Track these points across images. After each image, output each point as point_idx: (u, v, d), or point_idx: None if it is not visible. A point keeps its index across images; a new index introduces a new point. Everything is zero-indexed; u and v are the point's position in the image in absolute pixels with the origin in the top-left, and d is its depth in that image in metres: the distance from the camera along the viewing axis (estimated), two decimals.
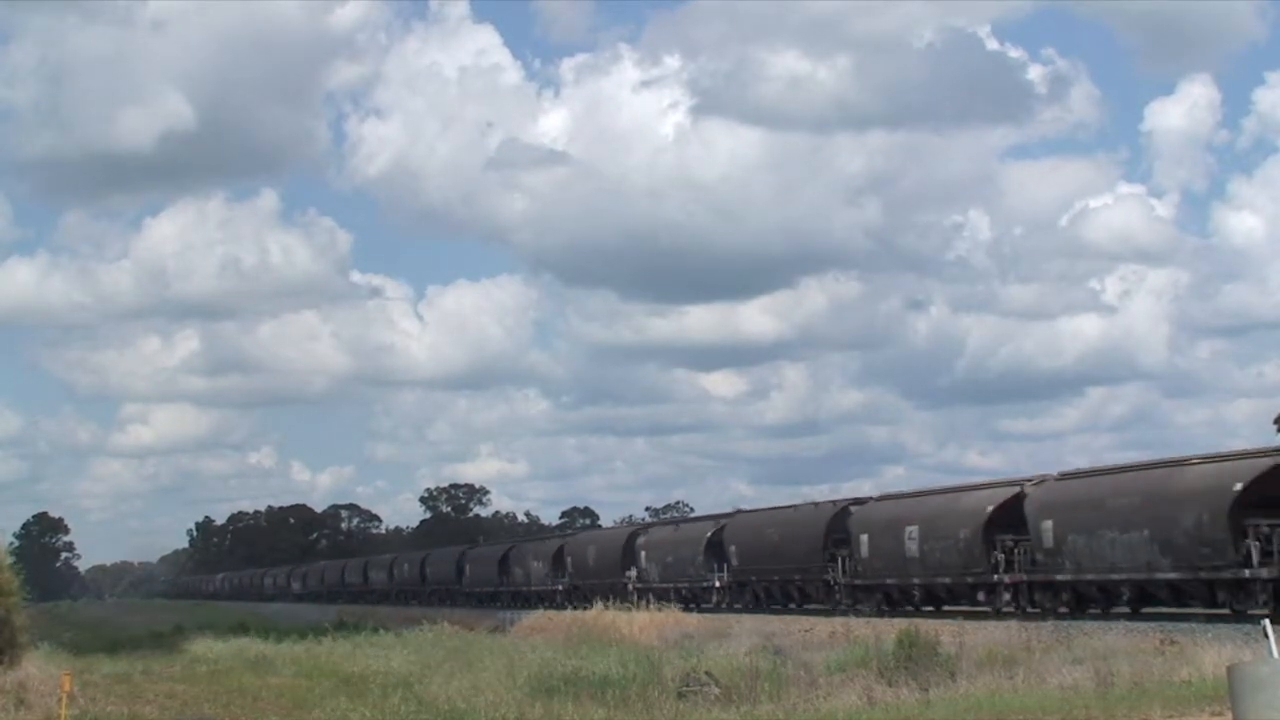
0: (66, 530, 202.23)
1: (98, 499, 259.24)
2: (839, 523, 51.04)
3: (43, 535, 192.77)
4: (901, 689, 24.30)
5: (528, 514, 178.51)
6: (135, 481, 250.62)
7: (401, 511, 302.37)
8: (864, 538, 48.35)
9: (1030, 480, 43.25)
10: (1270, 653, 15.71)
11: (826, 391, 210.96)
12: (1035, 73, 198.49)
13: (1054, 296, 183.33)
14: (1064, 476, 42.38)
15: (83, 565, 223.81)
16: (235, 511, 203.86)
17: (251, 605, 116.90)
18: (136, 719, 26.26)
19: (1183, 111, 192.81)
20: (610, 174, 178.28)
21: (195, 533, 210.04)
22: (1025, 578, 40.98)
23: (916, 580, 45.62)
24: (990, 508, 42.96)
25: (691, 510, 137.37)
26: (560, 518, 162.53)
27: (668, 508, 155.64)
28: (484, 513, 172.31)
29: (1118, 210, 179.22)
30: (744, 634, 40.93)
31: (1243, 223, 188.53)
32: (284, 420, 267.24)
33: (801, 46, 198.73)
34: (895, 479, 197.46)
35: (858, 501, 52.86)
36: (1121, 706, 19.37)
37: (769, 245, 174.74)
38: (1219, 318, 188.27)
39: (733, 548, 53.64)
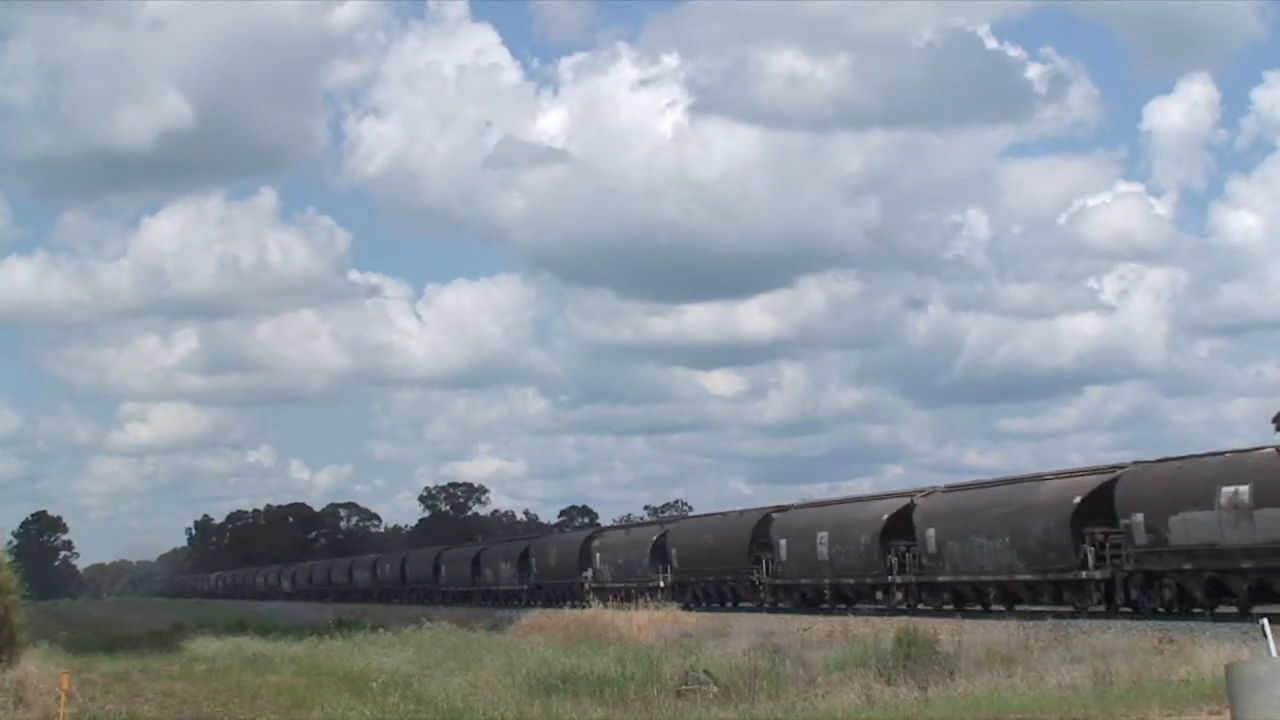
0: (65, 529, 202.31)
1: (96, 498, 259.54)
2: (763, 529, 55.49)
3: (41, 534, 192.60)
4: (900, 688, 24.31)
5: (527, 513, 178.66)
6: (134, 480, 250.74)
7: (401, 510, 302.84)
8: (783, 542, 53.24)
9: (921, 492, 49.15)
10: (1268, 651, 15.72)
11: (825, 390, 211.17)
12: (1034, 72, 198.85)
13: (1052, 295, 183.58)
14: (949, 489, 48.39)
15: (81, 564, 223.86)
16: (234, 510, 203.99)
17: (251, 604, 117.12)
18: (135, 718, 26.27)
19: (1182, 110, 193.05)
20: (609, 173, 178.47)
21: (194, 531, 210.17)
22: (914, 579, 46.31)
23: (827, 581, 50.57)
24: (885, 516, 48.05)
25: (690, 509, 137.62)
26: (559, 516, 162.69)
27: (666, 506, 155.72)
28: (483, 511, 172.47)
29: (1116, 209, 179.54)
30: (742, 633, 40.94)
31: (1241, 222, 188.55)
32: (283, 419, 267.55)
33: (800, 45, 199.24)
34: (894, 478, 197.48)
35: (780, 509, 57.44)
36: (1120, 705, 19.38)
37: (768, 244, 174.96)
38: (1217, 317, 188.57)
39: (674, 551, 57.17)
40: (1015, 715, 18.72)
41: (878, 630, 33.66)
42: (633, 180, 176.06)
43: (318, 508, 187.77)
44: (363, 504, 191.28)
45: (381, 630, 48.70)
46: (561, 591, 71.97)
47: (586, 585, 67.74)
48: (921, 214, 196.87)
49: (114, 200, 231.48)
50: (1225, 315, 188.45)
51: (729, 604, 56.63)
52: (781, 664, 30.15)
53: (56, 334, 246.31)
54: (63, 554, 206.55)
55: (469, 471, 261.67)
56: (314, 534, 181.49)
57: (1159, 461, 38.49)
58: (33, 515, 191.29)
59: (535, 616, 60.43)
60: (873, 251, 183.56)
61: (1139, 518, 36.80)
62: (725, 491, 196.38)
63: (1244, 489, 33.27)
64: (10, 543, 50.60)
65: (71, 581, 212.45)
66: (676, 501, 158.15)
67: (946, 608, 43.69)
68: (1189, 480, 35.60)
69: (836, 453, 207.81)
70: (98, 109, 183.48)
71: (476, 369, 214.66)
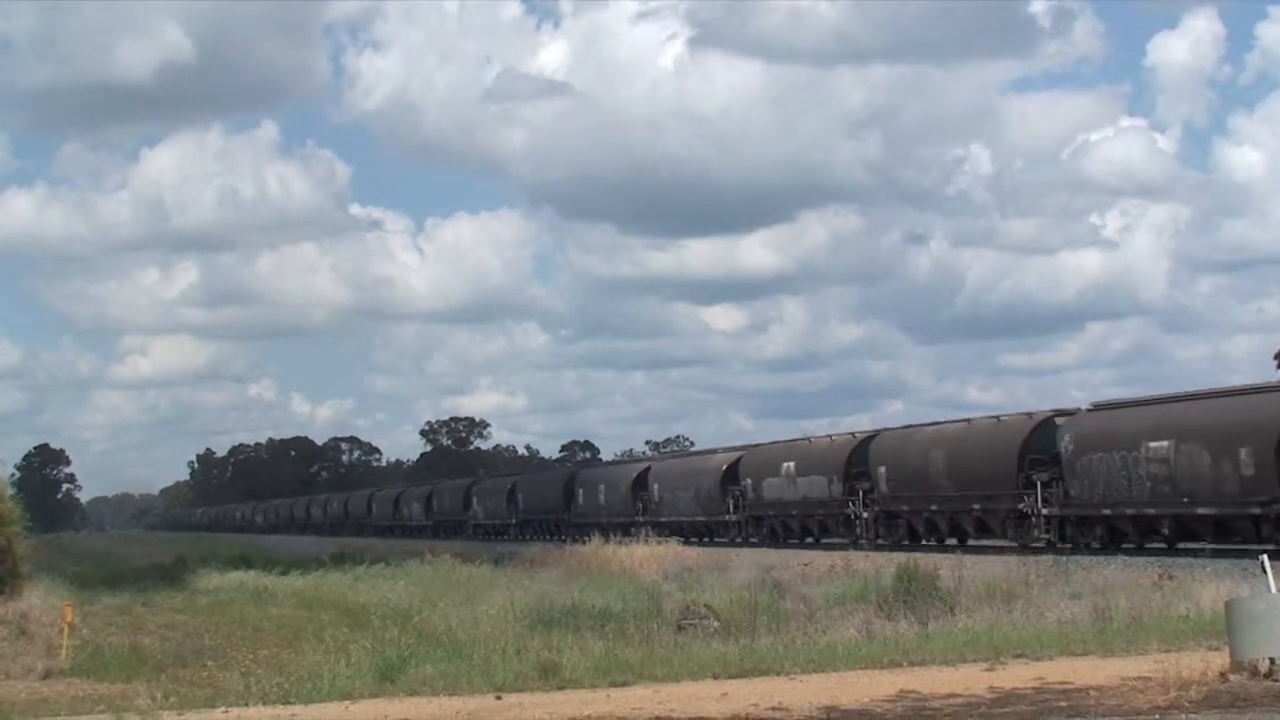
0: (68, 462, 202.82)
1: (98, 430, 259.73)
2: (642, 479, 69.15)
3: (44, 467, 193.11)
4: (900, 622, 24.38)
5: (528, 447, 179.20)
6: (135, 413, 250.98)
7: (401, 444, 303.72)
8: (656, 487, 67.25)
9: (752, 445, 62.96)
10: (1268, 588, 15.76)
11: (826, 326, 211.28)
12: (1039, 6, 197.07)
13: (1054, 231, 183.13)
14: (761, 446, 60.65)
15: (84, 497, 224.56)
16: (236, 444, 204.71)
17: (251, 537, 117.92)
18: (138, 650, 26.37)
19: (1186, 46, 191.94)
20: (609, 107, 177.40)
21: (196, 465, 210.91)
22: (747, 514, 58.47)
23: (684, 519, 63.07)
24: (724, 466, 61.43)
25: (692, 444, 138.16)
26: (560, 451, 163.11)
27: (668, 441, 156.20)
28: (484, 446, 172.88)
29: (1119, 143, 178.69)
30: (743, 568, 41.07)
31: (1244, 158, 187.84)
32: (284, 353, 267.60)
33: None
34: (895, 414, 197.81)
35: (657, 459, 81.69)
36: (1119, 641, 19.41)
37: (769, 178, 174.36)
38: (1219, 253, 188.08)
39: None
40: (1015, 650, 18.76)
41: (878, 565, 33.77)
42: (633, 114, 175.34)
43: (319, 441, 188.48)
44: (364, 438, 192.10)
45: (381, 565, 48.93)
46: (550, 526, 77.97)
47: (571, 519, 73.68)
48: (923, 149, 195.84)
49: (113, 133, 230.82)
50: (1227, 251, 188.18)
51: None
52: (782, 599, 30.26)
53: (56, 266, 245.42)
54: (65, 487, 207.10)
55: (470, 406, 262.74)
56: (315, 467, 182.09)
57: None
58: (35, 448, 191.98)
59: (536, 551, 60.66)
60: (874, 186, 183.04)
61: None
62: (727, 426, 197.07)
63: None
64: (12, 475, 50.83)
65: (74, 514, 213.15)
66: (678, 436, 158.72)
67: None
68: None
69: (837, 388, 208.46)
70: (97, 41, 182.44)
71: (477, 303, 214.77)
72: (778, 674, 17.51)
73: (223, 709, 16.58)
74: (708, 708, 15.04)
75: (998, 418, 47.18)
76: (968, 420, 49.05)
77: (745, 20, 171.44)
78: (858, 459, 51.40)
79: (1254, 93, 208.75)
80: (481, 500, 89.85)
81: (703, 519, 61.68)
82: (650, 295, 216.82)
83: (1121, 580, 29.03)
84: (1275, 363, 36.84)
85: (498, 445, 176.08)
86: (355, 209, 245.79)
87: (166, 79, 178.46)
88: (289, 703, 16.74)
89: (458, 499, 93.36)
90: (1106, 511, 39.30)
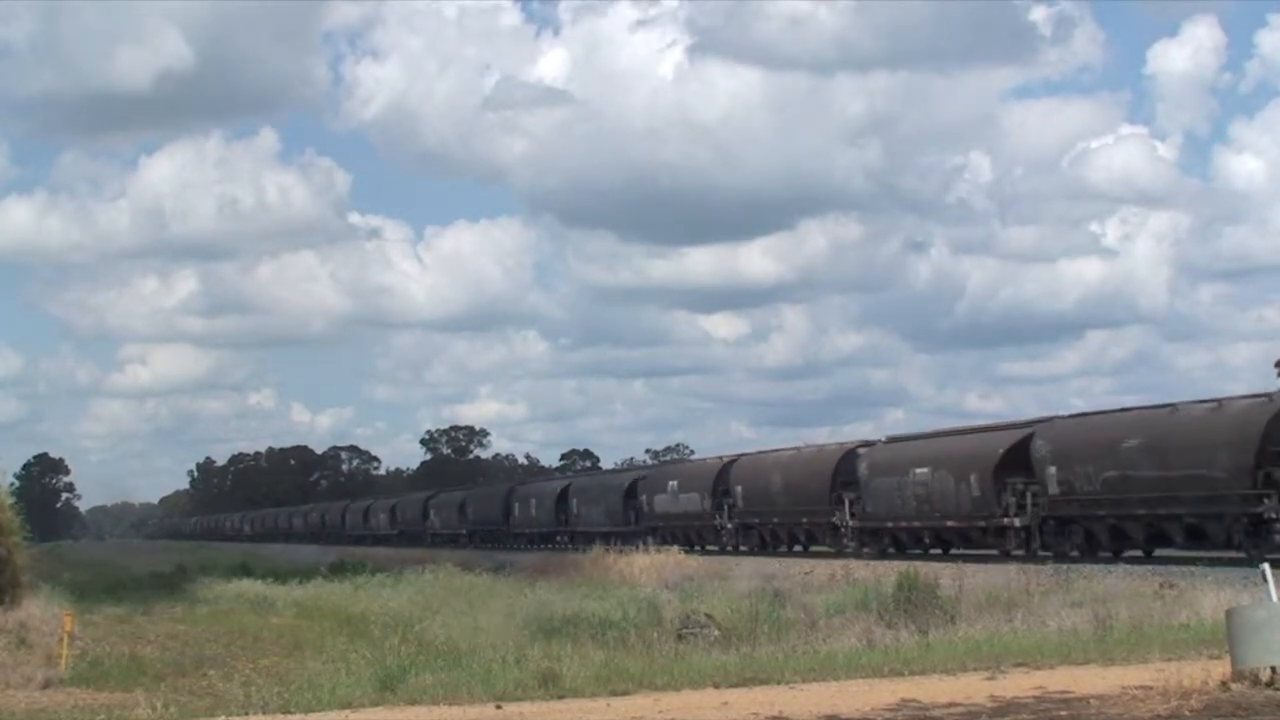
0: (67, 471, 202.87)
1: (98, 439, 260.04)
2: (565, 495, 77.24)
3: (43, 476, 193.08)
4: (901, 631, 24.32)
5: (528, 456, 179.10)
6: (135, 422, 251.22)
7: (401, 453, 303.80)
8: (575, 501, 75.16)
9: (651, 465, 73.92)
10: (1269, 596, 15.73)
11: (826, 334, 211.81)
12: (1039, 14, 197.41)
13: (1054, 239, 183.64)
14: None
15: (83, 506, 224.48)
16: (236, 453, 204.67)
17: (251, 546, 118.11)
18: (137, 659, 26.33)
19: (1186, 54, 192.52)
20: (609, 115, 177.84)
21: (196, 474, 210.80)
22: (644, 525, 64.48)
23: (595, 529, 68.74)
24: (626, 484, 70.75)
25: (692, 453, 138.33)
26: (560, 460, 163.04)
27: (668, 450, 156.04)
28: (484, 455, 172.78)
29: (1119, 151, 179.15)
30: (744, 576, 41.02)
31: (1244, 166, 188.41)
32: (283, 361, 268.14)
33: None
34: (895, 422, 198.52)
35: (576, 477, 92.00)
36: (1120, 649, 19.41)
37: (769, 186, 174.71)
38: (1220, 261, 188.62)
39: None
40: (1015, 659, 18.74)
41: (879, 574, 33.73)
42: (633, 122, 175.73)
43: (319, 450, 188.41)
44: (363, 446, 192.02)
45: (381, 574, 48.84)
46: (492, 535, 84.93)
47: (509, 531, 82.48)
48: (924, 156, 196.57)
49: (112, 140, 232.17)
50: (1228, 259, 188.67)
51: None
52: (782, 608, 30.20)
53: (56, 275, 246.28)
54: (64, 496, 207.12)
55: (469, 414, 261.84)
56: (315, 476, 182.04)
57: None
58: (35, 457, 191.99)
59: (535, 559, 60.62)
60: (874, 194, 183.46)
61: None
62: (727, 435, 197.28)
63: None
64: (12, 484, 50.73)
65: (73, 523, 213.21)
66: (678, 445, 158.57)
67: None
68: None
69: (838, 397, 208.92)
70: (97, 48, 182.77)
71: (477, 312, 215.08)
72: (778, 683, 17.49)
73: (223, 718, 16.56)
74: (708, 716, 15.04)
75: (821, 446, 56.47)
76: (798, 448, 58.23)
77: (744, 28, 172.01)
78: (722, 479, 60.78)
79: (1254, 100, 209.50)
80: (438, 512, 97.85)
81: (609, 529, 68.20)
82: (650, 303, 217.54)
83: (1122, 589, 28.96)
84: (1276, 370, 36.88)
85: (498, 454, 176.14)
86: (355, 217, 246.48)
87: (166, 87, 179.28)
88: (289, 712, 16.72)
89: (417, 510, 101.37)
90: (889, 524, 48.04)
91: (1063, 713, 14.45)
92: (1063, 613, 25.31)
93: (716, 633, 26.25)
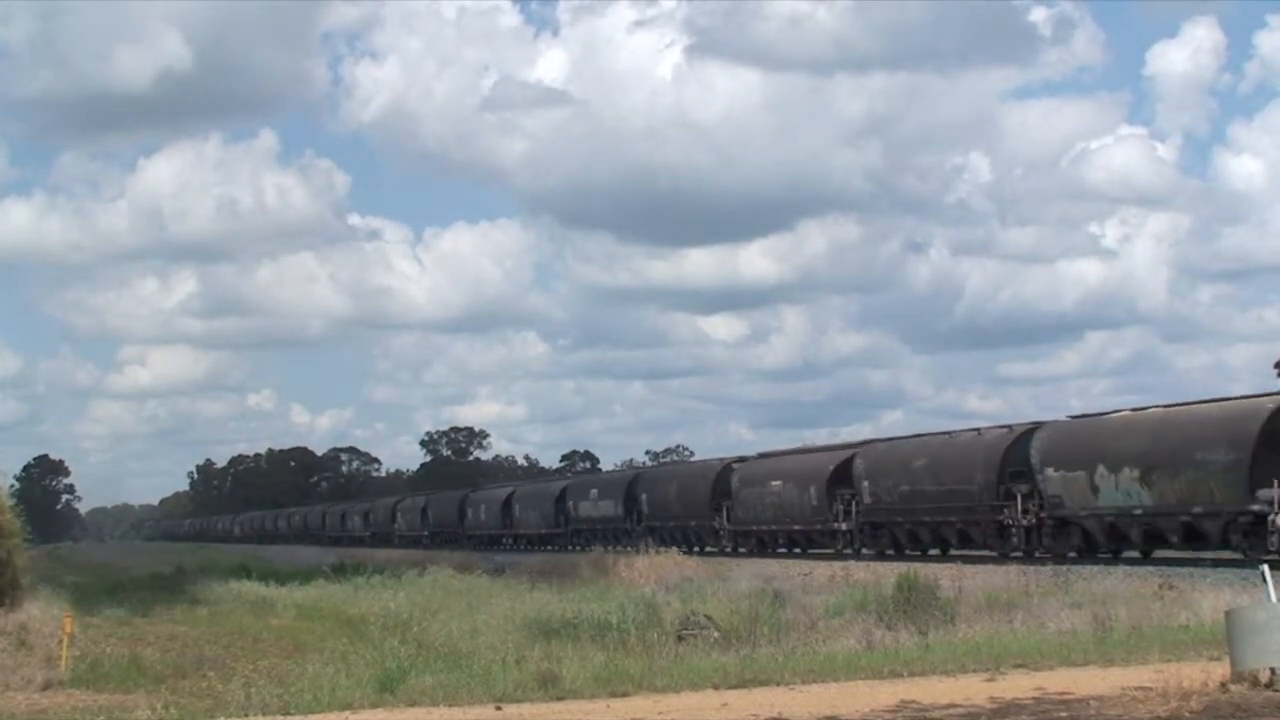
0: (67, 473, 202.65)
1: (97, 441, 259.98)
2: (508, 501, 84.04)
3: (43, 477, 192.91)
4: (900, 632, 24.35)
5: (527, 457, 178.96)
6: (135, 423, 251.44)
7: (401, 454, 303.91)
8: (516, 507, 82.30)
9: (580, 473, 77.92)
10: (1268, 597, 15.74)
11: (826, 335, 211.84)
12: (1039, 15, 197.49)
13: (1054, 240, 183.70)
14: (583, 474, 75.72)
15: (83, 508, 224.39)
16: (235, 454, 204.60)
17: (253, 548, 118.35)
18: (137, 660, 26.32)
19: (1186, 55, 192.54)
20: (608, 115, 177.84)
21: (196, 475, 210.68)
22: (570, 529, 73.15)
23: (532, 532, 79.53)
24: (557, 492, 77.76)
25: (692, 454, 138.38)
26: (560, 461, 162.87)
27: (667, 451, 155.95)
28: (484, 456, 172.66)
29: (1119, 151, 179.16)
30: (743, 577, 41.02)
31: (1244, 167, 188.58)
32: (283, 363, 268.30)
33: None
34: (894, 423, 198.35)
35: (519, 485, 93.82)
36: (1119, 650, 19.42)
37: (768, 187, 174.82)
38: (1219, 262, 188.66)
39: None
40: (1015, 660, 18.75)
41: (879, 575, 33.74)
42: (632, 123, 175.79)
43: (319, 452, 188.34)
44: (363, 448, 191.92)
45: (379, 576, 48.86)
46: (449, 537, 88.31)
47: (464, 533, 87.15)
48: (923, 157, 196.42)
49: (111, 141, 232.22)
50: (1227, 260, 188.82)
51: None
52: (782, 609, 30.22)
53: (55, 276, 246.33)
54: (64, 498, 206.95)
55: (469, 416, 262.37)
56: (315, 478, 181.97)
57: None
58: (35, 459, 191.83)
59: (536, 561, 60.61)
60: (874, 195, 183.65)
61: None
62: (727, 436, 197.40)
63: None
64: (12, 486, 50.76)
65: (73, 525, 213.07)
66: (678, 446, 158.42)
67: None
68: None
69: (837, 398, 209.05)
70: (95, 49, 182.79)
71: (476, 313, 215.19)
72: (778, 684, 17.50)
73: (223, 719, 16.58)
74: (708, 718, 15.05)
75: (705, 461, 66.97)
76: (690, 463, 70.27)
77: (743, 28, 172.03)
78: (632, 489, 69.37)
79: (1254, 101, 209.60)
80: (404, 516, 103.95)
81: (544, 532, 77.72)
82: (649, 305, 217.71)
83: (1122, 590, 28.97)
84: (1275, 371, 36.92)
85: (497, 455, 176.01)
86: (354, 218, 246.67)
87: (165, 88, 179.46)
88: (289, 713, 16.72)
89: (386, 515, 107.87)
90: (754, 527, 56.62)
91: (1062, 714, 14.46)
92: (1062, 614, 25.34)
93: (716, 634, 26.26)
